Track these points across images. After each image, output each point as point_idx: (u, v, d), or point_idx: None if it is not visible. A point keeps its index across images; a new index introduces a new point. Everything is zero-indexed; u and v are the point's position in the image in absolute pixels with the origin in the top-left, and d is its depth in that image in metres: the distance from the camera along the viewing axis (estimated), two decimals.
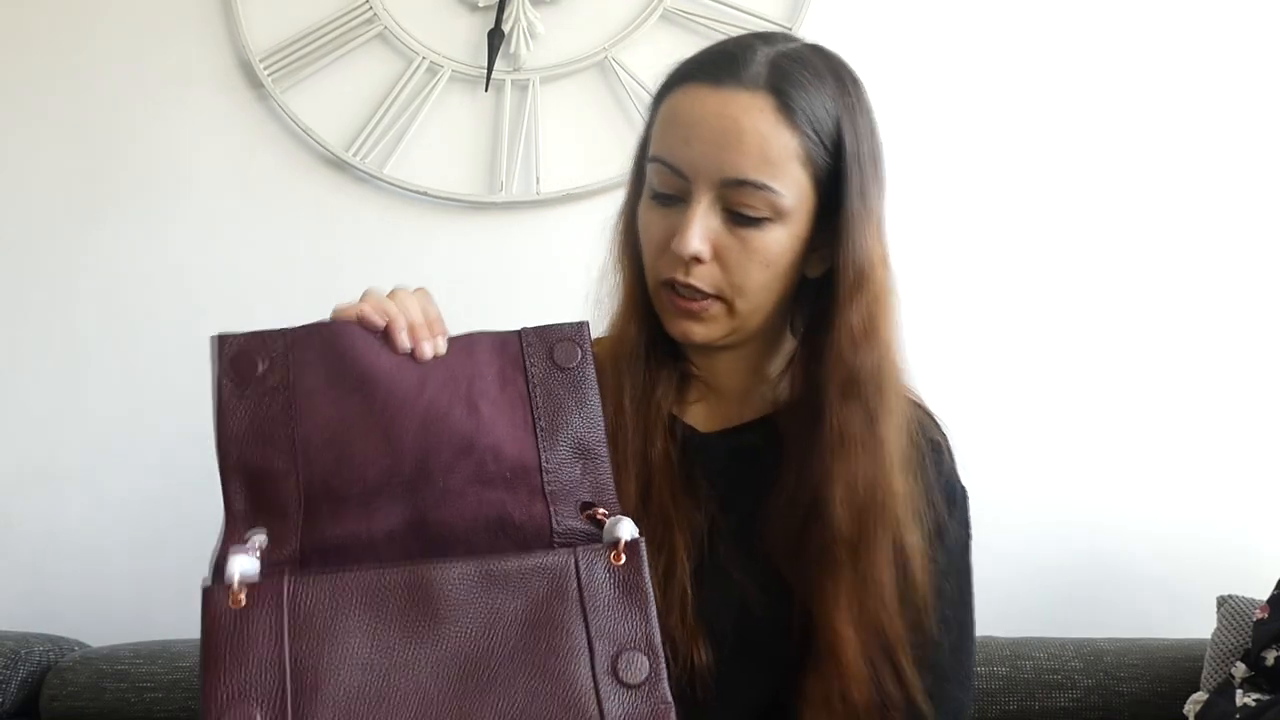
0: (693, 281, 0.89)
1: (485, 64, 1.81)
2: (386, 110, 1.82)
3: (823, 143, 0.88)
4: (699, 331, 0.92)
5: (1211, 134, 1.74)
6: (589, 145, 1.81)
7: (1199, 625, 1.46)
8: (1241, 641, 1.35)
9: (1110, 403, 1.71)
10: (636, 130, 1.76)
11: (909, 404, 0.95)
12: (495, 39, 1.80)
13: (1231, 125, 1.74)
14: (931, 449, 0.96)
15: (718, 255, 0.89)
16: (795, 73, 0.89)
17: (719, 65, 0.89)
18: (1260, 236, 1.72)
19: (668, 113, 0.91)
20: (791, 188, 0.88)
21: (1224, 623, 1.41)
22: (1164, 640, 1.51)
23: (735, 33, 1.74)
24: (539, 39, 1.82)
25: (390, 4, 1.84)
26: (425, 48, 1.83)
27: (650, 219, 0.93)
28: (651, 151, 0.92)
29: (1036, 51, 1.77)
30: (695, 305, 0.90)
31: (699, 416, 0.98)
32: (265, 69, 1.83)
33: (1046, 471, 1.70)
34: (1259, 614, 1.32)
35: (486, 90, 1.82)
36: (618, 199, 1.78)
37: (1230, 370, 1.71)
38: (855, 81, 0.93)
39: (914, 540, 0.91)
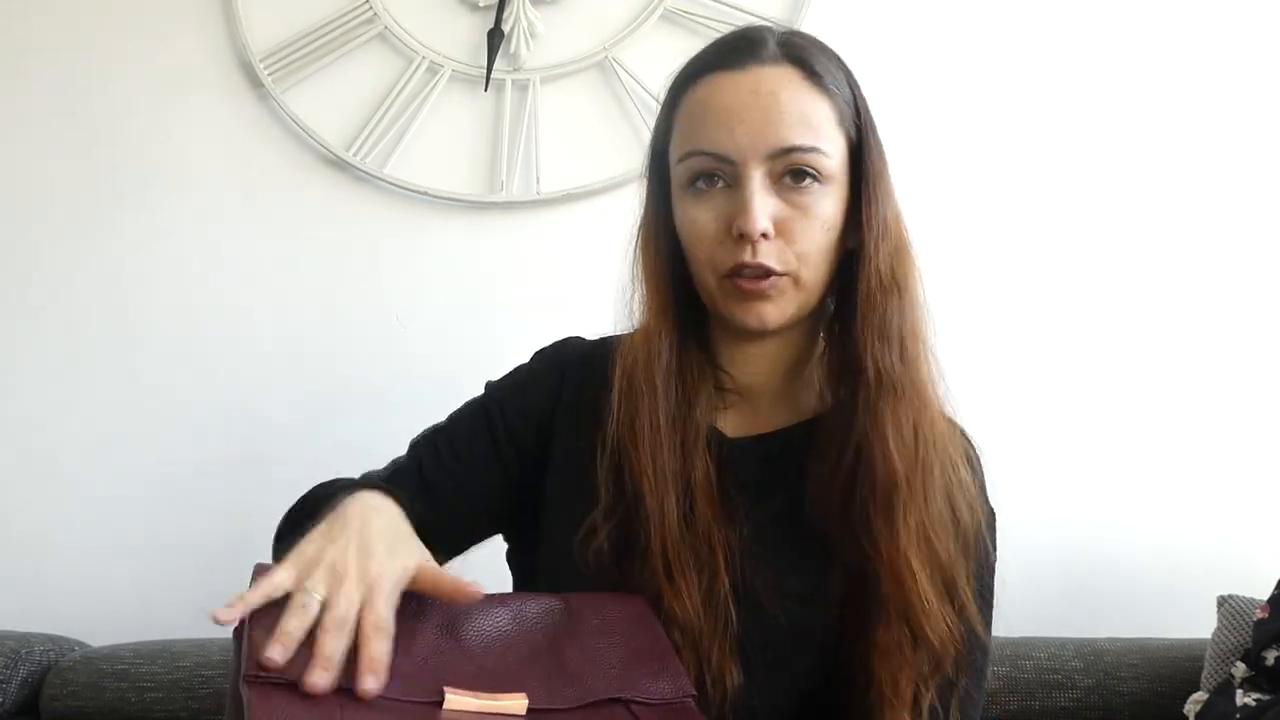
0: (762, 260, 0.88)
1: (485, 64, 1.81)
2: (386, 110, 1.82)
3: (848, 104, 0.92)
4: (772, 312, 0.91)
5: (1213, 138, 1.74)
6: (589, 145, 1.81)
7: (1199, 625, 1.46)
8: (1241, 641, 1.35)
9: (1110, 403, 1.71)
10: (637, 130, 1.79)
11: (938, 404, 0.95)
12: (495, 39, 1.80)
13: (1236, 129, 1.74)
14: (965, 462, 0.97)
15: (780, 229, 0.89)
16: (807, 46, 0.93)
17: (736, 50, 0.92)
18: (1260, 239, 1.72)
19: (694, 108, 0.92)
20: (834, 149, 0.90)
21: (1224, 623, 1.41)
22: (1164, 640, 1.51)
23: None
24: (539, 39, 1.82)
25: (390, 4, 1.84)
26: (425, 47, 1.83)
27: (696, 214, 0.91)
28: (684, 149, 0.92)
29: (1038, 50, 1.77)
30: (764, 284, 0.89)
31: (730, 422, 0.97)
32: (265, 69, 1.82)
33: (1046, 471, 1.70)
34: (1259, 614, 1.32)
35: (486, 90, 1.82)
36: (618, 199, 1.81)
37: (1230, 371, 1.71)
38: (842, 58, 0.97)
39: (964, 475, 0.93)
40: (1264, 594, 1.34)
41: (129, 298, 1.84)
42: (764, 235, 0.88)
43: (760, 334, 0.93)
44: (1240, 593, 1.43)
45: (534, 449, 0.99)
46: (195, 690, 1.52)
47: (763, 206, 0.88)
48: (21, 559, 1.82)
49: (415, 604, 0.80)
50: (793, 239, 0.89)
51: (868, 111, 0.94)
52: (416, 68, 1.82)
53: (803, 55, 0.91)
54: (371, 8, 1.83)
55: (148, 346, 1.83)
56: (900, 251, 0.93)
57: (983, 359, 1.71)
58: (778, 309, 0.91)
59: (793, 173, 0.89)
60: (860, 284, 0.91)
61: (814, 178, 0.89)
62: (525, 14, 1.81)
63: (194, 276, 1.83)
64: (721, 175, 0.90)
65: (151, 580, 1.78)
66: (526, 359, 1.07)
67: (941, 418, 0.93)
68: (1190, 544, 1.67)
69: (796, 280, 0.90)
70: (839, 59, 0.95)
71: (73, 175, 1.86)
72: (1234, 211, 1.73)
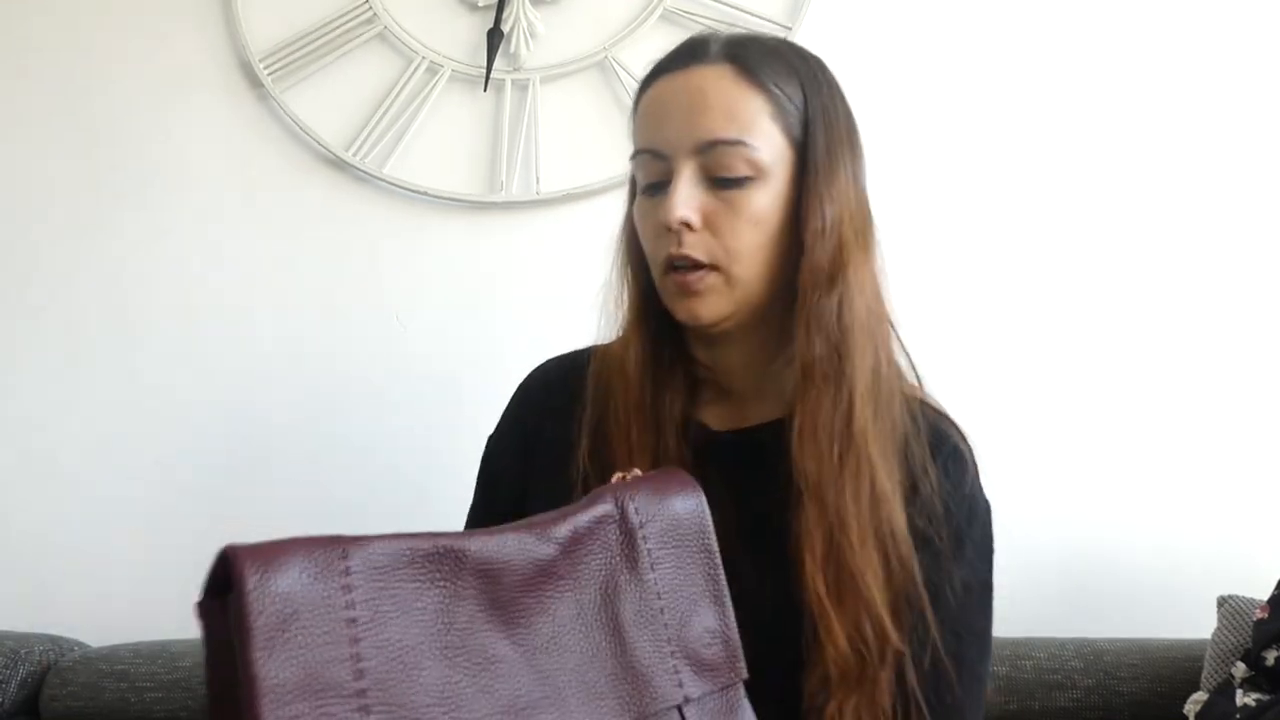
0: (686, 251, 0.90)
1: (485, 64, 1.80)
2: (386, 110, 1.82)
3: (792, 103, 0.92)
4: (703, 309, 0.91)
5: (1216, 135, 1.74)
6: (589, 145, 1.81)
7: (1199, 625, 1.46)
8: (1241, 641, 1.35)
9: (1110, 402, 1.71)
10: None
11: (909, 395, 0.95)
12: (494, 39, 1.80)
13: (1236, 126, 1.74)
14: (954, 457, 0.96)
15: (707, 222, 0.90)
16: (750, 45, 0.94)
17: (680, 55, 0.95)
18: (1261, 237, 1.72)
19: (642, 110, 0.96)
20: (765, 143, 0.90)
21: (1224, 623, 1.40)
22: (1164, 640, 1.51)
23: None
24: (539, 39, 1.82)
25: (390, 4, 1.84)
26: (425, 47, 1.83)
27: (642, 211, 0.95)
28: (634, 149, 0.95)
29: (1037, 51, 1.77)
30: (691, 278, 0.90)
31: (713, 417, 0.98)
32: (265, 69, 1.83)
33: (1046, 471, 1.70)
34: (1259, 614, 1.32)
35: (485, 90, 1.82)
36: (618, 199, 1.79)
37: (1230, 370, 1.70)
38: (818, 59, 0.97)
39: (886, 482, 0.89)
40: (1264, 594, 1.34)
41: (129, 298, 1.84)
42: (687, 226, 0.89)
43: (703, 330, 0.94)
44: (1240, 593, 1.43)
45: (524, 462, 1.02)
46: (195, 690, 1.52)
47: (685, 198, 0.89)
48: (21, 559, 1.82)
49: (446, 587, 0.63)
50: (720, 233, 0.90)
51: (825, 110, 0.93)
52: (416, 68, 1.82)
53: (741, 54, 0.92)
54: (371, 8, 1.83)
55: (148, 346, 1.83)
56: (846, 244, 0.91)
57: (983, 359, 1.71)
58: (708, 305, 0.91)
59: (720, 167, 0.90)
60: (799, 281, 0.90)
61: (745, 173, 0.90)
62: (525, 14, 1.81)
63: (194, 276, 1.83)
64: (660, 171, 0.92)
65: (151, 580, 1.78)
66: (524, 359, 1.08)
67: (868, 414, 0.90)
68: (1190, 544, 1.67)
69: (728, 276, 0.91)
70: (797, 59, 0.95)
71: (73, 175, 1.86)
72: (1232, 214, 1.73)
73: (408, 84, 1.82)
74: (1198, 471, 1.69)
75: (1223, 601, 1.44)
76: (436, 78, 1.82)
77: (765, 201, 0.91)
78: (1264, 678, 1.26)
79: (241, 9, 1.83)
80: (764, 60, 0.92)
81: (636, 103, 0.97)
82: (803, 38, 1.74)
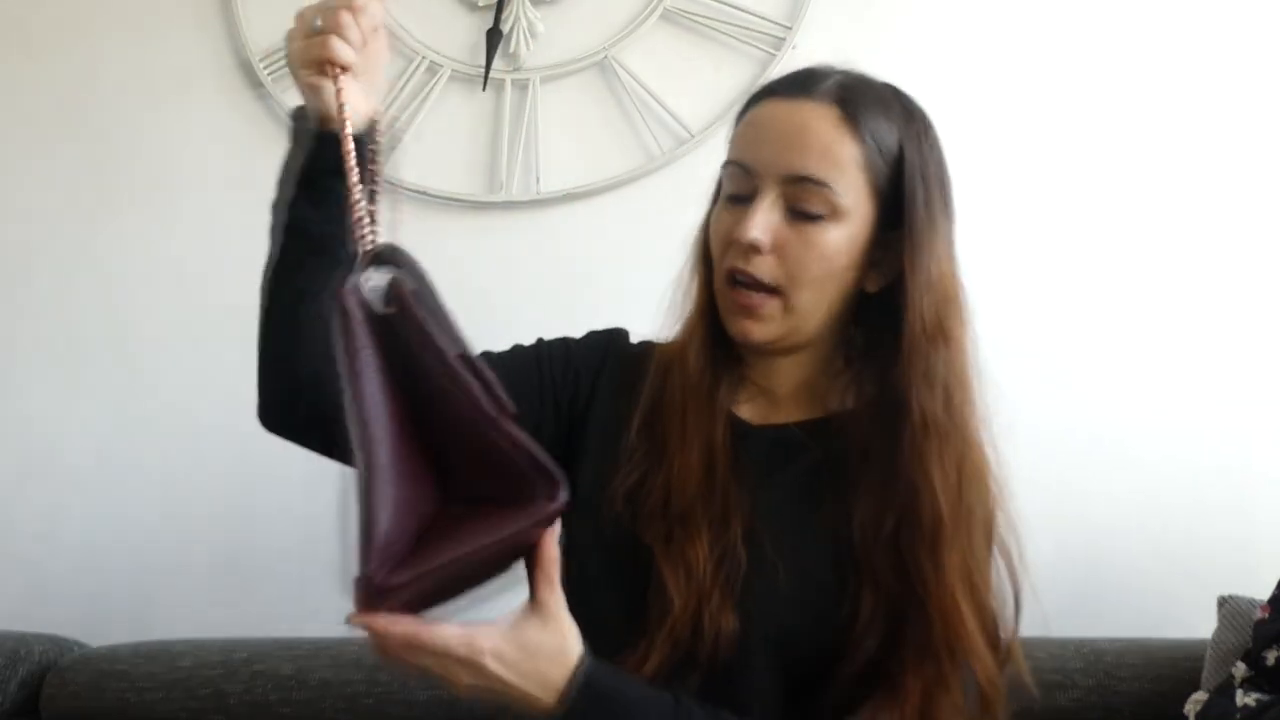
0: (752, 270, 0.95)
1: (484, 64, 1.80)
2: (386, 110, 1.81)
3: (883, 156, 0.96)
4: (757, 330, 0.98)
5: (1212, 131, 1.74)
6: (589, 145, 1.81)
7: (1199, 625, 1.46)
8: (1242, 641, 1.35)
9: (1110, 402, 1.71)
10: (636, 130, 1.80)
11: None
12: (494, 38, 1.80)
13: (1232, 122, 1.74)
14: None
15: (777, 248, 0.95)
16: (862, 91, 0.98)
17: (794, 82, 1.00)
18: (1259, 232, 1.72)
19: (744, 124, 1.00)
20: (850, 190, 0.95)
21: (1224, 623, 1.41)
22: (1164, 640, 1.50)
23: (735, 32, 1.77)
24: (539, 38, 1.82)
25: (390, 4, 1.82)
26: (425, 47, 1.83)
27: (720, 218, 1.00)
28: (726, 159, 1.01)
29: (1039, 51, 1.77)
30: (754, 301, 0.96)
31: (746, 411, 1.04)
32: (265, 69, 1.83)
33: (1046, 470, 1.70)
34: (1259, 614, 1.32)
35: (484, 90, 1.82)
36: (618, 199, 1.81)
37: (1230, 368, 1.70)
38: (925, 117, 1.02)
39: (1003, 517, 0.98)
40: (1264, 594, 1.34)
41: (129, 298, 1.84)
42: (756, 247, 0.95)
43: (752, 349, 1.00)
44: (1240, 593, 1.43)
45: (568, 406, 1.05)
46: (195, 690, 1.52)
47: (762, 219, 0.95)
48: (22, 558, 1.82)
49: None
50: (787, 260, 0.96)
51: (920, 168, 0.97)
52: (416, 68, 1.82)
53: (850, 98, 0.96)
54: None
55: (148, 346, 1.83)
56: (949, 303, 0.98)
57: (980, 357, 1.71)
58: (763, 328, 0.98)
59: (801, 200, 0.95)
60: (904, 329, 0.96)
61: (822, 211, 0.95)
62: (525, 13, 1.81)
63: (194, 276, 1.83)
64: (747, 186, 0.97)
65: (151, 580, 1.78)
66: None
67: (984, 458, 0.98)
68: (1190, 544, 1.67)
69: (787, 303, 0.97)
70: (904, 112, 0.99)
71: (73, 175, 1.86)
72: (1231, 207, 1.73)
73: (407, 84, 1.82)
74: (1198, 471, 1.69)
75: (1223, 601, 1.44)
76: (436, 78, 1.82)
77: (835, 240, 0.96)
78: (1264, 678, 1.26)
79: (241, 9, 1.83)
80: (870, 110, 0.96)
81: (742, 113, 1.02)
82: (802, 38, 1.75)
